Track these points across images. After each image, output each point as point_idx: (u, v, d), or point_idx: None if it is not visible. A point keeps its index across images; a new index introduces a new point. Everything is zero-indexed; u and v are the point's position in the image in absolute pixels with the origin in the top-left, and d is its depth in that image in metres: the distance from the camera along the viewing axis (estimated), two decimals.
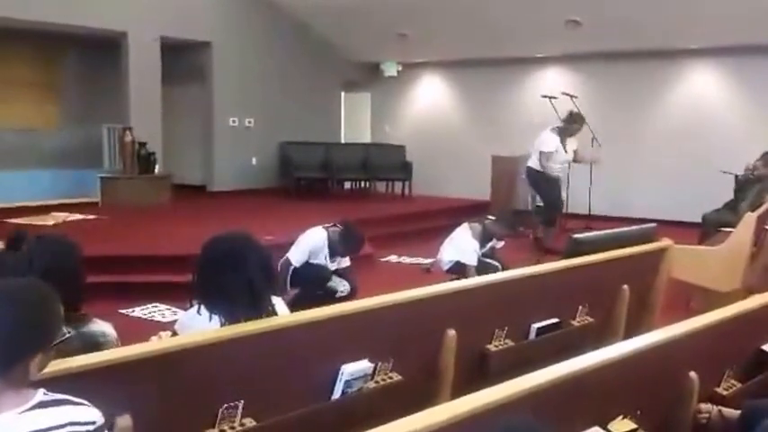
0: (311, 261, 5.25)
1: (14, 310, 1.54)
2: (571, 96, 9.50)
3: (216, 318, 2.41)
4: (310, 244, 5.26)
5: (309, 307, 2.56)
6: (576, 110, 8.85)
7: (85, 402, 1.62)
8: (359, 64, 13.32)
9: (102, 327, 2.29)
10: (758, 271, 5.73)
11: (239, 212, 9.37)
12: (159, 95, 10.68)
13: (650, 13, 9.26)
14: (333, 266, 5.37)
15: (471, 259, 5.73)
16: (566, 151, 8.50)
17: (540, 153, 8.44)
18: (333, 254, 5.30)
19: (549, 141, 8.43)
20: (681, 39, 9.96)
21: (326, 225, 5.38)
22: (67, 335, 1.69)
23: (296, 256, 5.23)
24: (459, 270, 5.72)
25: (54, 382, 1.68)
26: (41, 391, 1.60)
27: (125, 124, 10.23)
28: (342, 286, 5.37)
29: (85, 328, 2.23)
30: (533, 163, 8.58)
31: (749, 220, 5.60)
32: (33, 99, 11.27)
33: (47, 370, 1.73)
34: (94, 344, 2.20)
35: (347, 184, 12.62)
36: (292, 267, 5.19)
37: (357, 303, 2.64)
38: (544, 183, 8.60)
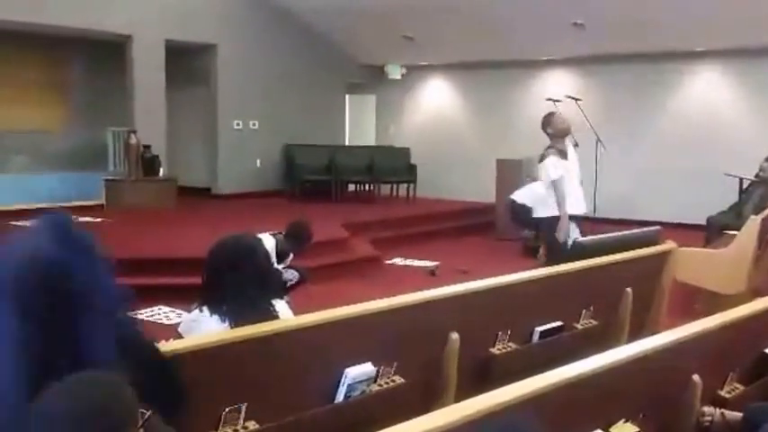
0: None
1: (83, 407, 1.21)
2: (576, 99, 9.49)
3: (220, 320, 2.42)
4: None
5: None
6: None
7: None
8: (363, 66, 13.34)
9: None
10: (763, 274, 5.73)
11: (244, 215, 9.37)
12: (164, 98, 10.71)
13: (654, 16, 9.25)
14: (282, 266, 5.39)
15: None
16: None
17: None
18: (280, 257, 5.27)
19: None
20: (686, 41, 9.94)
21: (273, 232, 5.41)
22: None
23: None
24: None
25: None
26: None
27: (130, 127, 10.26)
28: (290, 275, 5.38)
29: None
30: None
31: (754, 222, 5.59)
32: (39, 101, 11.31)
33: None
34: None
35: (352, 187, 12.62)
36: None
37: (360, 306, 2.64)
38: None
